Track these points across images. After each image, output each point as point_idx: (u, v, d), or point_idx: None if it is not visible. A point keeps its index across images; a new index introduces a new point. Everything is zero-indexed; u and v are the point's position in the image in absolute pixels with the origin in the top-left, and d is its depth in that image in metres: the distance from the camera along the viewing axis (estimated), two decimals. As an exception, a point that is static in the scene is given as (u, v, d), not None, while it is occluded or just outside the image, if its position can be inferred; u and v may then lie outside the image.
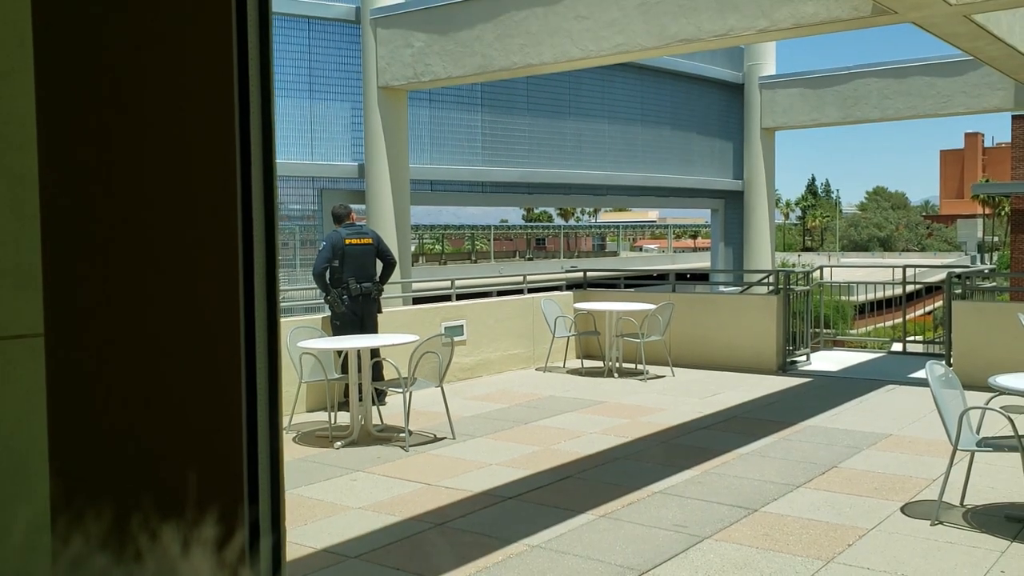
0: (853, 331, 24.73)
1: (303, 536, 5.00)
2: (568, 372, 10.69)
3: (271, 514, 1.17)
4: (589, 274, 12.58)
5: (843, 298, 25.52)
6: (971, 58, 11.52)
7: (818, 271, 13.27)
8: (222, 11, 1.13)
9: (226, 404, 1.13)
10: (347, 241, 8.26)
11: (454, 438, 7.25)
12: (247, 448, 1.14)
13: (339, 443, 7.12)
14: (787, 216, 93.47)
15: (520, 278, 12.27)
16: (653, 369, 10.48)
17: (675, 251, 67.08)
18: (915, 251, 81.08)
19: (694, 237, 78.31)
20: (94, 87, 1.08)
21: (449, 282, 11.15)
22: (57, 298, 1.04)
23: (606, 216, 79.85)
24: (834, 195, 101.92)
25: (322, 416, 8.10)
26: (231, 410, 1.13)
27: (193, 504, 1.07)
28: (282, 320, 8.89)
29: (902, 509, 5.36)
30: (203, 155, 1.14)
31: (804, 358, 11.05)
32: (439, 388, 7.24)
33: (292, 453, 6.92)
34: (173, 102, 1.12)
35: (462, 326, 10.09)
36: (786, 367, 10.54)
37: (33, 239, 1.03)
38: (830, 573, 4.39)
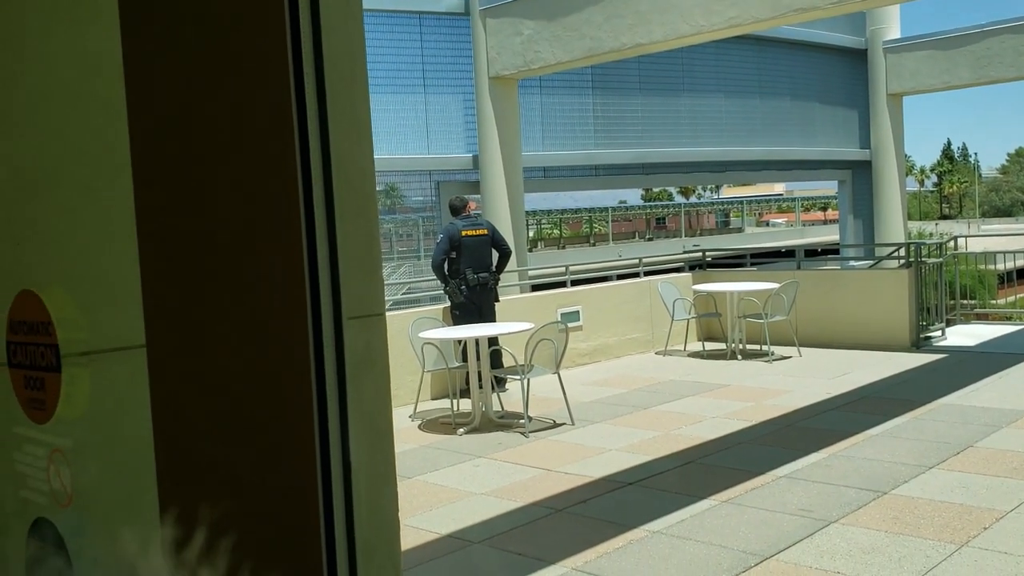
0: (997, 301, 23.47)
1: (428, 522, 5.14)
2: (689, 355, 10.55)
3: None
4: (709, 254, 12.36)
5: (985, 267, 24.22)
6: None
7: (952, 241, 12.64)
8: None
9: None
10: (463, 233, 8.41)
11: (573, 424, 7.29)
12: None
13: (462, 430, 7.27)
14: (922, 183, 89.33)
15: (636, 261, 12.17)
16: (778, 350, 10.22)
17: (804, 224, 65.02)
18: (1065, 214, 76.16)
19: (824, 209, 75.49)
20: (174, 116, 1.16)
21: (564, 268, 11.16)
22: (155, 309, 1.11)
23: (729, 191, 77.84)
24: (972, 159, 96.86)
25: (445, 403, 8.27)
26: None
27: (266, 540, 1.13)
28: (406, 311, 9.13)
29: (1045, 490, 5.09)
30: (267, 174, 1.21)
31: (939, 333, 10.57)
32: (556, 375, 7.29)
33: (417, 440, 7.11)
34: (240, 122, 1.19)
35: (578, 312, 10.09)
36: (920, 343, 10.11)
37: (131, 253, 1.11)
38: (964, 558, 4.21)
